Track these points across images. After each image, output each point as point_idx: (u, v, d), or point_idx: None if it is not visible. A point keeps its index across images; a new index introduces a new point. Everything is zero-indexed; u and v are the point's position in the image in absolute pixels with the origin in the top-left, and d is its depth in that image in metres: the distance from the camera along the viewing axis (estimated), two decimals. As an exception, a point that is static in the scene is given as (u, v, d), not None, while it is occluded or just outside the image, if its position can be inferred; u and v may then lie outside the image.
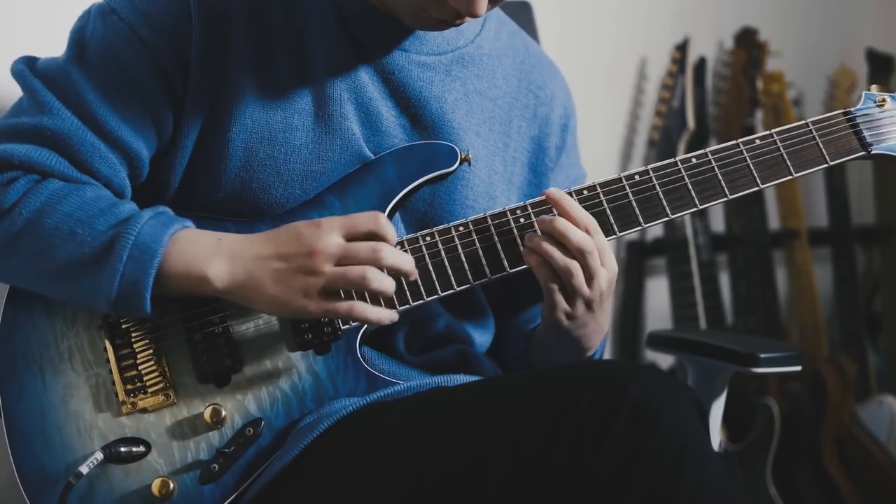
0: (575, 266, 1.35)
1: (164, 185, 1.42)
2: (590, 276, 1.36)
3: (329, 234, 1.29)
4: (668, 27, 2.87)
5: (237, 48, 1.38)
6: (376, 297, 1.34)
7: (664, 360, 2.80)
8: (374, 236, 1.31)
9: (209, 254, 1.31)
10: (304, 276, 1.29)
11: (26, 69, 1.40)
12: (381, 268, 1.29)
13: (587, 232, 1.36)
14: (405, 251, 1.38)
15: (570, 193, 1.41)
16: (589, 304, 1.39)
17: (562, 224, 1.35)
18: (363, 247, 1.29)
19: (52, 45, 1.44)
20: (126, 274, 1.29)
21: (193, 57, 1.37)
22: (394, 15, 1.41)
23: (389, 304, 1.36)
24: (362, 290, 1.30)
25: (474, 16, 1.29)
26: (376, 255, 1.29)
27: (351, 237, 1.30)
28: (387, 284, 1.30)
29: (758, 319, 2.88)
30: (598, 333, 1.45)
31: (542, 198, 1.41)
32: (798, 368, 1.64)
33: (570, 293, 1.38)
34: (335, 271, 1.28)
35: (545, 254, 1.36)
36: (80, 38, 1.39)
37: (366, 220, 1.31)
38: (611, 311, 1.44)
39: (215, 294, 1.32)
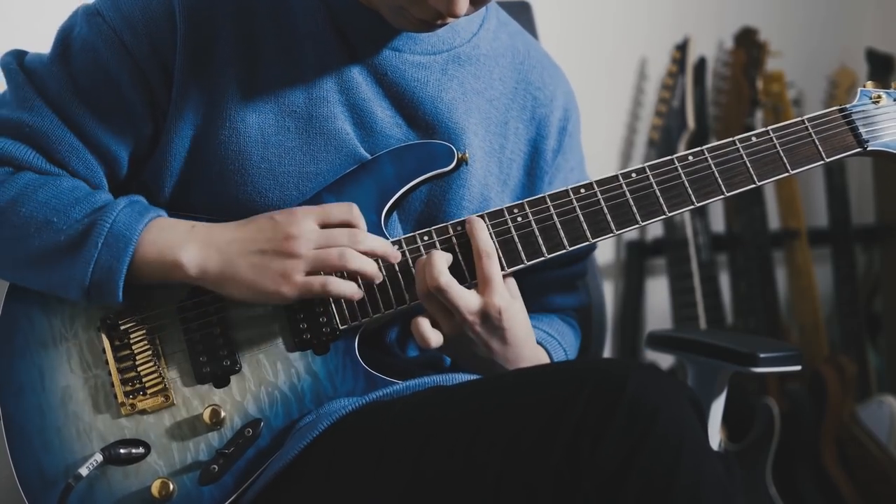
0: (430, 303, 1.37)
1: (155, 190, 1.42)
2: (452, 308, 1.36)
3: (305, 220, 1.33)
4: (668, 27, 2.87)
5: (224, 53, 1.39)
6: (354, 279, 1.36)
7: (664, 360, 2.80)
8: (348, 225, 1.35)
9: (182, 240, 1.34)
10: (283, 259, 1.31)
11: (14, 62, 1.41)
12: (359, 246, 1.34)
13: (479, 256, 1.37)
14: (402, 251, 1.39)
15: (566, 191, 1.41)
16: (465, 334, 1.39)
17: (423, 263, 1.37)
18: (340, 232, 1.34)
19: (48, 41, 1.45)
20: (101, 261, 1.32)
21: (177, 63, 1.37)
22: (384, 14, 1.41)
23: (387, 304, 1.38)
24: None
25: (454, 16, 1.30)
26: (354, 239, 1.34)
27: (324, 225, 1.34)
28: (366, 263, 1.34)
29: (758, 319, 2.88)
30: (508, 363, 1.43)
31: (540, 197, 1.41)
32: (798, 368, 1.64)
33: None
34: (315, 254, 1.32)
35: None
36: (65, 37, 1.41)
37: (339, 209, 1.35)
38: (525, 356, 1.44)
39: (188, 280, 1.34)
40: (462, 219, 1.41)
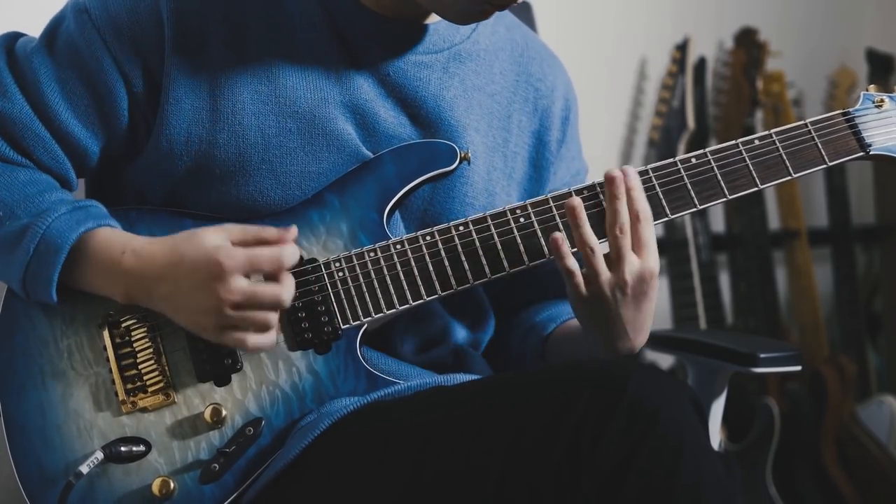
0: (591, 259, 1.34)
1: (149, 191, 1.43)
2: (618, 258, 1.34)
3: (232, 277, 1.26)
4: (668, 27, 2.87)
5: (216, 58, 1.39)
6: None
7: (664, 360, 2.81)
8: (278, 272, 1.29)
9: (109, 270, 1.33)
10: (204, 313, 1.28)
11: (2, 46, 1.42)
12: (281, 308, 1.29)
13: (638, 218, 1.35)
14: (404, 250, 1.39)
15: (570, 192, 1.41)
16: (613, 293, 1.35)
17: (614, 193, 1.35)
18: (266, 293, 1.27)
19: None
20: (31, 266, 1.33)
21: (165, 70, 1.38)
22: (386, 16, 1.41)
23: (389, 304, 1.37)
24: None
25: None
26: (278, 301, 1.28)
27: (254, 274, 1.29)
28: (269, 340, 1.30)
29: (758, 319, 2.88)
30: (628, 338, 1.40)
31: (543, 198, 1.41)
32: (798, 368, 1.64)
33: (591, 276, 1.35)
34: (239, 315, 1.27)
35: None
36: (53, 28, 1.42)
37: (269, 260, 1.28)
38: (646, 327, 1.41)
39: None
40: (464, 219, 1.40)
